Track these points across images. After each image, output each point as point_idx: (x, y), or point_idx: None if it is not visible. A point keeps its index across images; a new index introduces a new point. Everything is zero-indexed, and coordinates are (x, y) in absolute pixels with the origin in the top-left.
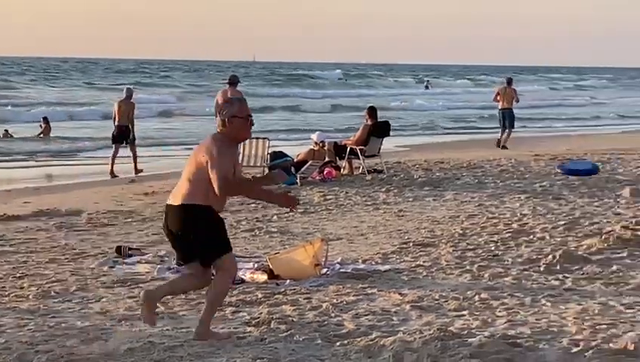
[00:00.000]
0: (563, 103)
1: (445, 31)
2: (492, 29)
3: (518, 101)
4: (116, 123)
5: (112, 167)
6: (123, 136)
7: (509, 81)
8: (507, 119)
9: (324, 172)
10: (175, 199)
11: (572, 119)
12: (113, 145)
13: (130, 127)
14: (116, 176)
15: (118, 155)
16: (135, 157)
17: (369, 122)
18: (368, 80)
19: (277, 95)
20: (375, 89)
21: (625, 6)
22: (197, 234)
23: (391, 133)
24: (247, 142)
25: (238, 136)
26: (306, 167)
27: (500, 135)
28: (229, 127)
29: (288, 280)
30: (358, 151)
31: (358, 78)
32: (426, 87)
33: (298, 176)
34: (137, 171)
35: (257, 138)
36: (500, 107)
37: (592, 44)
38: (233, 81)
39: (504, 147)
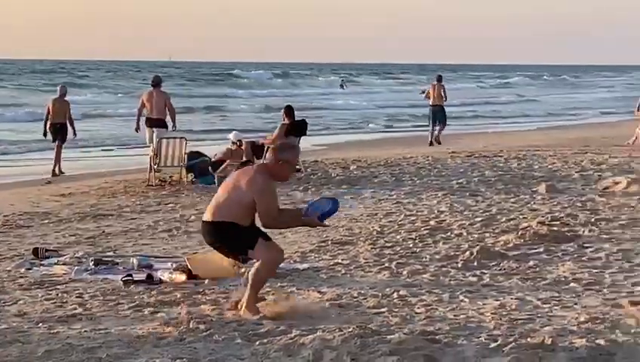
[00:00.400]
0: (491, 101)
1: (368, 30)
2: (414, 29)
3: (446, 99)
4: (50, 121)
5: (56, 165)
6: (59, 133)
7: (439, 79)
8: (438, 115)
9: None
10: (207, 215)
11: (503, 117)
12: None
13: (66, 124)
14: (63, 173)
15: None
16: (59, 158)
17: (286, 121)
18: (292, 80)
19: (199, 95)
20: (299, 88)
21: (540, 6)
22: (224, 243)
23: (308, 132)
24: (164, 141)
25: (281, 178)
26: (223, 166)
27: (430, 132)
28: (278, 167)
29: (207, 280)
30: None
31: (284, 78)
32: (342, 87)
33: (216, 175)
34: (54, 173)
35: (175, 138)
36: (430, 104)
37: (513, 42)
38: (157, 83)
39: (439, 142)
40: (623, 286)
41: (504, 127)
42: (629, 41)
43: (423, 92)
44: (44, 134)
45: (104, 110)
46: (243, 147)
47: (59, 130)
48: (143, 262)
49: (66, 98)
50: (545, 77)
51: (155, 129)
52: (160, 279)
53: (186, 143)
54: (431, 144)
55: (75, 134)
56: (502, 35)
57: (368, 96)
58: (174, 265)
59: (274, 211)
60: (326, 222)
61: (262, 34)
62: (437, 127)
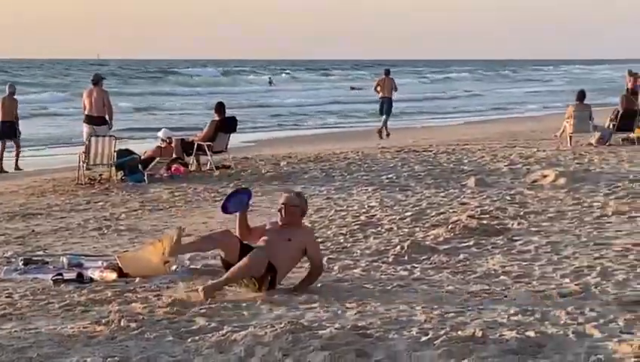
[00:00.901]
0: (439, 97)
1: (313, 27)
2: (349, 24)
3: (396, 90)
4: (0, 119)
5: (0, 163)
6: (9, 131)
7: (387, 72)
8: (386, 106)
9: (172, 169)
10: None
11: (449, 112)
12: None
13: (15, 122)
14: (6, 172)
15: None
16: (18, 153)
17: (216, 118)
18: (241, 77)
19: (136, 93)
20: (242, 86)
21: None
22: None
23: (238, 128)
24: (93, 140)
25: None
26: (153, 164)
27: (381, 124)
28: (299, 218)
29: (138, 278)
30: (206, 148)
31: (228, 75)
32: (270, 83)
33: (146, 173)
34: (18, 168)
35: (104, 136)
36: (380, 96)
37: (450, 37)
38: (97, 80)
39: (387, 134)
40: (552, 279)
41: (446, 121)
42: (564, 35)
43: (353, 88)
44: None
45: (38, 109)
46: (173, 144)
47: (10, 128)
48: (73, 261)
49: (15, 96)
50: (481, 71)
51: (95, 127)
52: (90, 278)
53: (116, 141)
54: (380, 133)
55: (19, 132)
56: (441, 29)
57: (304, 92)
58: (105, 264)
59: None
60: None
61: (204, 33)
62: (383, 117)
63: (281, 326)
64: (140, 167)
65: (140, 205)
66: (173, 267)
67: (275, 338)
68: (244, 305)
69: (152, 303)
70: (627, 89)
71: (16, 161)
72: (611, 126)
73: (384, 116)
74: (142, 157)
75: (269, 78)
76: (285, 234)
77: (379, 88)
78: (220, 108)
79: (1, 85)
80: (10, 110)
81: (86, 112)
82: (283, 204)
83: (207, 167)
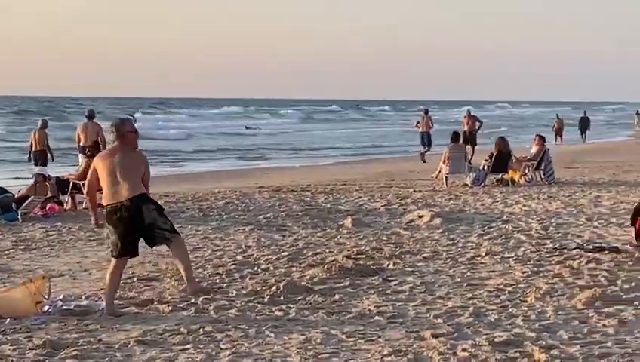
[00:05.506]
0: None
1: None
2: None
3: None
4: None
5: None
6: None
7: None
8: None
9: (47, 207)
10: None
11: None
12: None
13: None
14: None
15: None
16: None
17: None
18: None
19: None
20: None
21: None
22: None
23: None
24: None
25: None
26: (27, 202)
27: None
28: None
29: (8, 319)
30: (81, 186)
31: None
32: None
33: (20, 212)
34: None
35: None
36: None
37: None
38: (91, 115)
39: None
40: (426, 319)
41: (310, 161)
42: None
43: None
44: None
45: None
46: (48, 183)
47: None
48: None
49: None
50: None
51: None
52: None
53: None
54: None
55: None
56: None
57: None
58: None
59: None
60: None
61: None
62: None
63: None
64: (13, 205)
65: (13, 244)
66: (45, 308)
67: None
68: (116, 346)
69: (23, 344)
70: (464, 130)
71: None
72: (486, 167)
73: (426, 148)
74: (16, 195)
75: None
76: None
77: (419, 124)
78: (96, 146)
79: None
80: None
81: (82, 144)
82: None
83: (83, 206)
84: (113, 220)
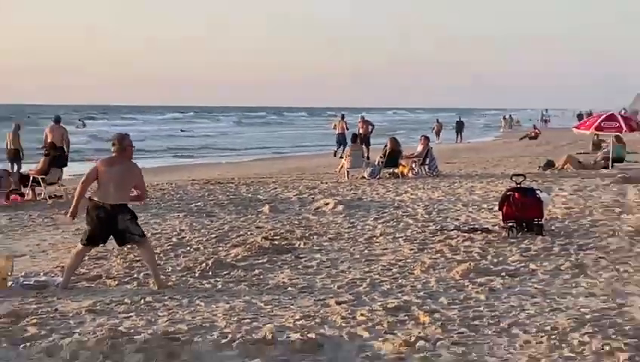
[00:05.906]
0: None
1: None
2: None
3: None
4: None
5: None
6: None
7: (342, 116)
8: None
9: (10, 198)
10: None
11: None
12: None
13: None
14: None
15: None
16: None
17: (51, 154)
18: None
19: None
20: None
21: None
22: None
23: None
24: None
25: None
26: None
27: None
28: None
29: None
30: (40, 180)
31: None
32: (83, 125)
33: None
34: None
35: None
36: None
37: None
38: (57, 120)
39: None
40: (330, 289)
41: (236, 158)
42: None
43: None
44: None
45: None
46: (10, 177)
47: None
48: None
49: None
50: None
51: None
52: None
53: None
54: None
55: None
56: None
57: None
58: None
59: None
60: None
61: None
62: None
63: (102, 332)
64: None
65: None
66: (9, 283)
67: (96, 343)
68: (70, 314)
69: None
70: (359, 133)
71: None
72: (380, 162)
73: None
74: None
75: (80, 120)
76: None
77: (335, 127)
78: (53, 146)
79: None
80: None
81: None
82: None
83: (42, 197)
84: (92, 215)
